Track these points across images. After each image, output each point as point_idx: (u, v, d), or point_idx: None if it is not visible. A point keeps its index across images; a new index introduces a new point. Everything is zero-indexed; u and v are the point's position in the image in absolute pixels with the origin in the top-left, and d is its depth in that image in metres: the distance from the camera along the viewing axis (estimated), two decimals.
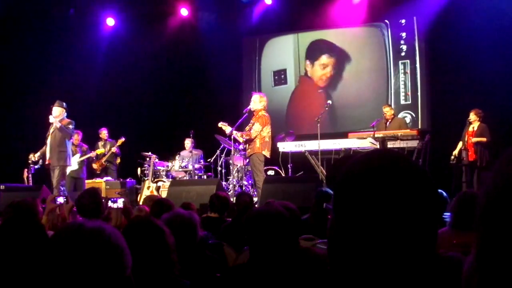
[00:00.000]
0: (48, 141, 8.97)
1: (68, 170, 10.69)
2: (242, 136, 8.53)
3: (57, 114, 8.89)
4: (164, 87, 13.05)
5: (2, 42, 11.86)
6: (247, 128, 8.53)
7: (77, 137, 10.93)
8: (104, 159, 11.35)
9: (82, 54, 12.46)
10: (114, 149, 11.25)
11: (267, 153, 8.40)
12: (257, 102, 8.49)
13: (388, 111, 9.80)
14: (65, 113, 9.03)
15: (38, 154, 9.49)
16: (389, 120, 9.69)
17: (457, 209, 3.65)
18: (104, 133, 11.62)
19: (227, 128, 8.63)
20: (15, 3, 11.62)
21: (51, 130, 8.96)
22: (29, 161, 9.80)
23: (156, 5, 12.82)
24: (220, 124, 8.71)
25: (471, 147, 9.15)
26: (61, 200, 4.38)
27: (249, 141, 8.41)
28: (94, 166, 11.37)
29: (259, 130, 8.31)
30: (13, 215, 3.77)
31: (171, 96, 13.20)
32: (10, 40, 11.90)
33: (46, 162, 9.03)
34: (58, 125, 8.80)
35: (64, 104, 9.09)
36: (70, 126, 8.93)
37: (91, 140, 11.75)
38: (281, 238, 2.35)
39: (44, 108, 12.19)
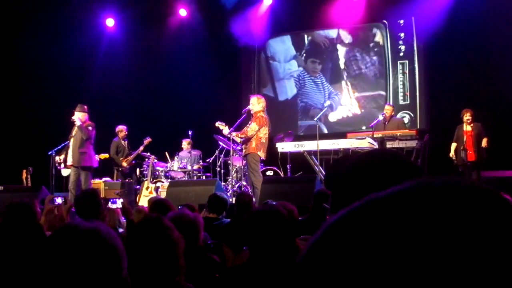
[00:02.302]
0: (71, 142, 9.07)
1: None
2: (237, 135, 8.55)
3: (80, 117, 8.99)
4: (162, 87, 13.05)
5: (2, 42, 11.85)
6: (245, 129, 8.54)
7: None
8: (132, 158, 11.08)
9: (81, 54, 12.47)
10: (141, 148, 10.90)
11: (262, 154, 8.39)
12: (255, 104, 8.51)
13: (388, 110, 9.78)
14: (87, 116, 9.12)
15: (62, 156, 9.52)
16: (388, 120, 9.68)
17: None
18: (124, 131, 11.23)
19: (224, 128, 8.65)
20: (14, 4, 11.62)
21: (74, 132, 9.06)
22: (56, 164, 9.85)
23: (155, 6, 12.83)
24: (217, 124, 8.73)
25: (471, 147, 9.16)
26: (59, 200, 4.38)
27: (246, 140, 8.41)
28: (124, 164, 11.01)
29: (255, 129, 8.31)
30: (11, 215, 3.76)
31: (169, 96, 13.20)
32: (9, 40, 11.89)
33: (68, 163, 9.07)
34: (79, 123, 8.89)
35: (85, 107, 9.17)
36: (90, 128, 9.01)
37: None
38: (280, 238, 2.34)
39: (44, 108, 12.23)
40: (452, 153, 9.33)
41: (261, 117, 8.40)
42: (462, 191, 0.45)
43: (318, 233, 0.48)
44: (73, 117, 8.97)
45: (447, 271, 0.40)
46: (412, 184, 0.47)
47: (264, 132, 8.37)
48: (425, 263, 0.41)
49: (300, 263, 0.47)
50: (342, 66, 12.59)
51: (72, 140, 9.05)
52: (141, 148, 10.86)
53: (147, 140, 10.81)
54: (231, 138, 8.70)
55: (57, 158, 9.80)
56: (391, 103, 10.43)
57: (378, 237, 0.43)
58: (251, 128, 8.34)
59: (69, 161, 9.04)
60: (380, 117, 9.65)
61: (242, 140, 8.58)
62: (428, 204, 0.44)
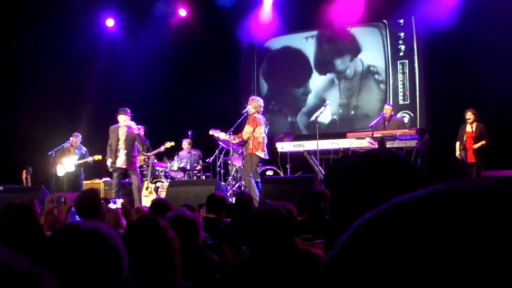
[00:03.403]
0: (122, 146, 9.15)
1: (63, 172, 10.67)
2: (234, 139, 8.70)
3: (129, 121, 9.16)
4: (162, 88, 13.05)
5: (3, 42, 11.85)
6: (241, 133, 8.70)
7: (75, 140, 10.84)
8: (143, 157, 10.87)
9: (81, 55, 12.46)
10: (162, 149, 10.65)
11: (261, 154, 8.55)
12: (248, 105, 8.74)
13: (387, 110, 9.79)
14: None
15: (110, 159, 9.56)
16: (388, 120, 9.69)
17: None
18: (141, 131, 11.16)
19: (220, 134, 8.81)
20: (14, 5, 11.62)
21: (123, 137, 9.15)
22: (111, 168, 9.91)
23: (155, 6, 12.83)
24: (211, 132, 8.90)
25: (471, 148, 9.18)
26: (59, 201, 4.38)
27: (244, 142, 8.57)
28: None
29: (250, 131, 8.49)
30: (11, 216, 3.76)
31: (169, 97, 13.20)
32: (9, 41, 11.88)
33: (119, 165, 9.17)
34: (137, 131, 9.11)
35: (128, 110, 9.30)
36: (142, 132, 9.27)
37: (91, 142, 11.74)
38: (279, 237, 2.35)
39: (44, 108, 12.23)
40: (458, 153, 9.35)
41: (254, 118, 8.58)
42: (493, 195, 0.44)
43: (347, 234, 0.47)
44: (124, 124, 9.12)
45: (486, 277, 0.40)
46: (443, 187, 0.46)
47: (260, 132, 8.51)
48: (455, 269, 0.40)
49: (329, 263, 0.47)
50: (341, 65, 12.56)
51: (123, 143, 9.14)
52: (158, 150, 10.65)
53: (168, 144, 10.63)
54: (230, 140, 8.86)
55: (108, 161, 9.97)
56: (390, 103, 10.43)
57: (407, 241, 0.43)
58: (245, 130, 8.55)
59: (120, 164, 9.14)
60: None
61: (239, 143, 8.73)
62: (461, 209, 0.44)
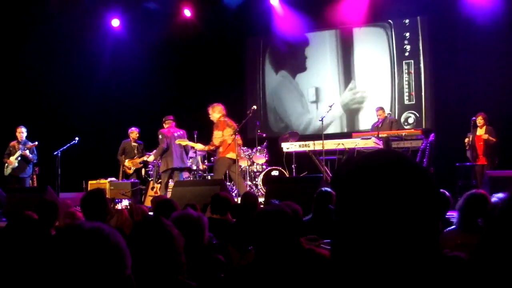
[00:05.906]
0: (179, 147, 9.36)
1: (10, 169, 10.38)
2: (209, 148, 8.83)
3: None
4: (167, 88, 13.06)
5: (11, 45, 11.89)
6: (212, 140, 8.70)
7: (20, 131, 10.42)
8: (139, 160, 10.78)
9: (87, 55, 12.49)
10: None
11: (232, 155, 8.51)
12: (212, 113, 8.72)
13: (380, 114, 9.99)
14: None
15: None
16: (382, 123, 9.83)
17: (464, 210, 3.63)
18: (136, 133, 10.99)
19: (196, 145, 9.06)
20: (21, 7, 11.67)
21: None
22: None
23: (159, 6, 12.84)
24: (177, 141, 8.97)
25: (481, 149, 9.19)
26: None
27: (217, 148, 8.59)
28: (127, 164, 10.75)
29: (220, 136, 8.49)
30: (39, 213, 3.81)
31: (174, 97, 13.22)
32: (16, 43, 11.93)
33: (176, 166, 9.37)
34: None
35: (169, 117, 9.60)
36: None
37: (93, 140, 11.74)
38: (285, 237, 2.34)
39: (50, 108, 12.27)
40: (466, 140, 9.32)
41: (219, 122, 8.58)
42: None
43: None
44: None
45: None
46: None
47: (228, 134, 8.52)
48: None
49: None
50: (346, 66, 12.48)
51: (177, 145, 9.34)
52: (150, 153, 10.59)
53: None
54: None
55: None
56: (380, 107, 10.38)
57: None
58: (215, 136, 8.55)
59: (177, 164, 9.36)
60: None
61: (212, 150, 8.86)
62: None
